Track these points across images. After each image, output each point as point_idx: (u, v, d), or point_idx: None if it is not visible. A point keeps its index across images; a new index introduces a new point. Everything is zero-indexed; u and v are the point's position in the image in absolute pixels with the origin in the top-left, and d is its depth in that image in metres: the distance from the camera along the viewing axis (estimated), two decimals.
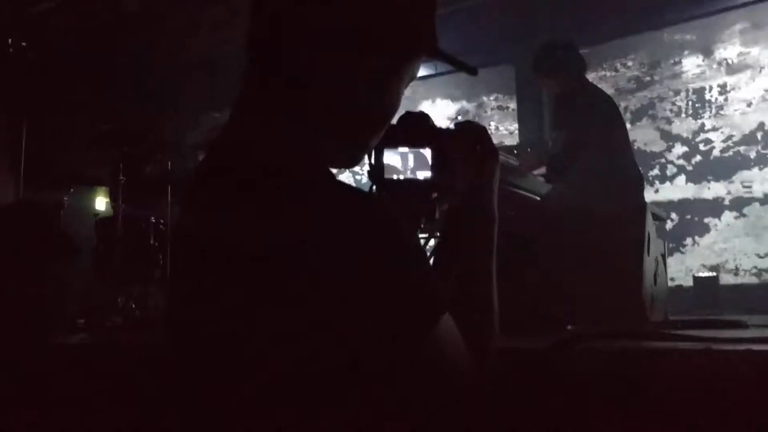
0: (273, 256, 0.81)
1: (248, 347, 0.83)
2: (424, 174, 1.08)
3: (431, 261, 1.04)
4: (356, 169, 6.75)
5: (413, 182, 1.09)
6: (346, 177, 6.84)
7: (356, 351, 0.80)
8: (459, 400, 0.90)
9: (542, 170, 3.84)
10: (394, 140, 1.08)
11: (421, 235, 1.21)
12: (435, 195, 1.11)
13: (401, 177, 1.09)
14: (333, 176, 0.92)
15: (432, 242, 1.32)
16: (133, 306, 4.12)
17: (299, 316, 0.80)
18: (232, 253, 0.85)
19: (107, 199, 4.78)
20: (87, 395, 1.81)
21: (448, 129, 1.11)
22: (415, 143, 1.09)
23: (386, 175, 1.09)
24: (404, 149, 1.09)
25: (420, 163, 1.08)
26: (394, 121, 1.07)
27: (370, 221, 0.83)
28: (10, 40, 5.18)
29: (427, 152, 1.08)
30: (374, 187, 1.10)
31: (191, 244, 0.94)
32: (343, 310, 0.79)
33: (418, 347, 0.82)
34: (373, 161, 1.09)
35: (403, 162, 1.09)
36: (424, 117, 1.12)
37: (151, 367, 1.64)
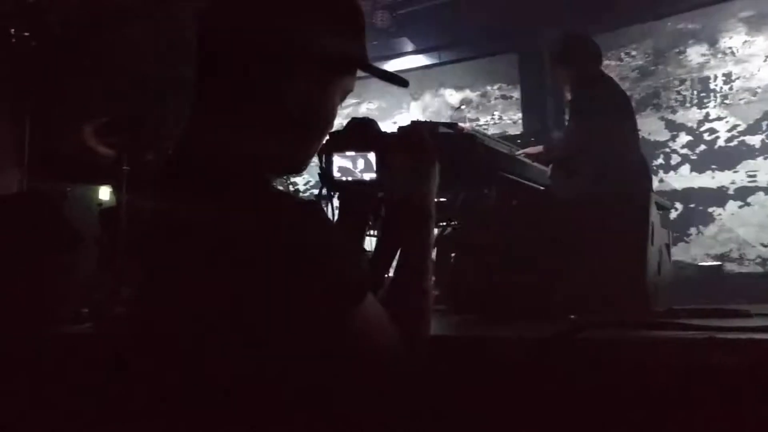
0: (221, 246, 0.92)
1: (190, 333, 0.95)
2: (370, 175, 1.18)
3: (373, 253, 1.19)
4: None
5: (360, 183, 1.19)
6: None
7: (282, 331, 0.91)
8: (384, 379, 1.00)
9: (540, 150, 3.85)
10: (342, 145, 1.20)
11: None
12: (380, 194, 1.22)
13: (350, 178, 1.19)
14: (270, 183, 1.05)
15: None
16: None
17: (242, 299, 0.91)
18: (180, 248, 0.97)
19: (111, 189, 4.78)
20: (89, 385, 1.81)
21: (390, 134, 1.21)
22: (360, 147, 1.19)
23: (338, 177, 1.20)
24: (351, 153, 1.19)
25: (368, 165, 1.18)
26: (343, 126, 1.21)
27: (296, 221, 0.93)
28: (12, 30, 5.18)
29: (371, 156, 1.18)
30: (325, 188, 1.22)
31: (157, 233, 1.05)
32: (272, 295, 0.90)
33: (340, 327, 0.92)
34: (323, 164, 1.21)
35: (353, 164, 1.19)
36: (370, 123, 1.22)
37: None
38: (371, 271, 1.15)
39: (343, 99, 1.12)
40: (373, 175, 1.18)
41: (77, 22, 6.65)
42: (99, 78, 6.80)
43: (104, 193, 5.51)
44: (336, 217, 1.25)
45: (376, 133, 1.21)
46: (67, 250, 3.66)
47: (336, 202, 1.26)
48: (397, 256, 1.19)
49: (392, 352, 1.00)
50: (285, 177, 5.44)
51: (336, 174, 1.21)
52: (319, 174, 1.23)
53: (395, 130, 1.25)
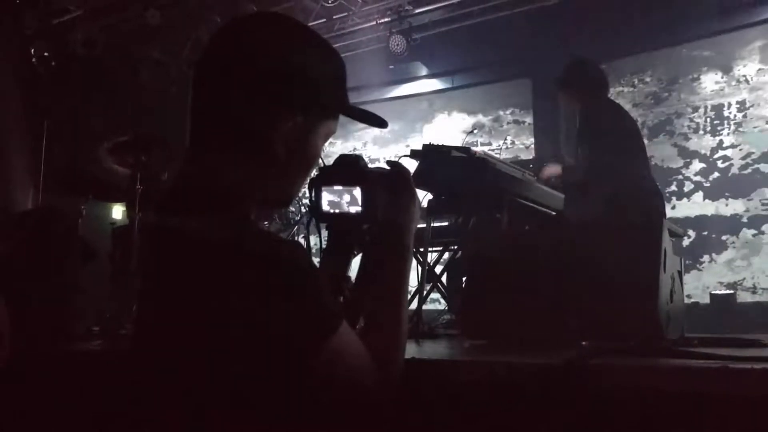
0: (202, 276, 1.01)
1: (174, 357, 1.04)
2: (356, 209, 1.26)
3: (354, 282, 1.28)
4: None
5: (346, 216, 1.27)
6: None
7: (257, 360, 0.98)
8: (358, 406, 1.06)
9: (558, 171, 3.87)
10: (329, 179, 1.28)
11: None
12: (365, 227, 1.29)
13: (336, 211, 1.27)
14: (254, 222, 1.16)
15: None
16: None
17: (221, 329, 0.98)
18: (178, 271, 1.06)
19: (124, 208, 4.82)
20: (100, 402, 1.82)
21: (375, 171, 1.29)
22: (347, 182, 1.26)
23: (327, 209, 1.28)
24: (338, 187, 1.27)
25: (354, 199, 1.26)
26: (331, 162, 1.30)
27: (274, 256, 1.00)
28: (33, 50, 5.26)
29: (357, 191, 1.25)
30: (313, 219, 1.31)
31: (150, 261, 1.16)
32: (254, 325, 0.97)
33: (313, 356, 0.98)
34: (313, 197, 1.29)
35: (341, 197, 1.27)
36: (357, 159, 1.30)
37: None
38: (353, 297, 1.25)
39: (325, 141, 1.21)
40: (359, 209, 1.26)
41: (98, 43, 6.75)
42: (117, 98, 6.89)
43: (117, 211, 5.55)
44: (324, 246, 1.33)
45: (362, 170, 1.28)
46: (82, 266, 3.69)
47: (324, 233, 1.34)
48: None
49: (365, 376, 1.06)
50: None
51: (325, 207, 1.28)
52: (308, 206, 1.32)
53: (384, 163, 1.35)
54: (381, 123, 1.28)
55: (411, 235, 1.26)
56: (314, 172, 1.28)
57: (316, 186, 1.29)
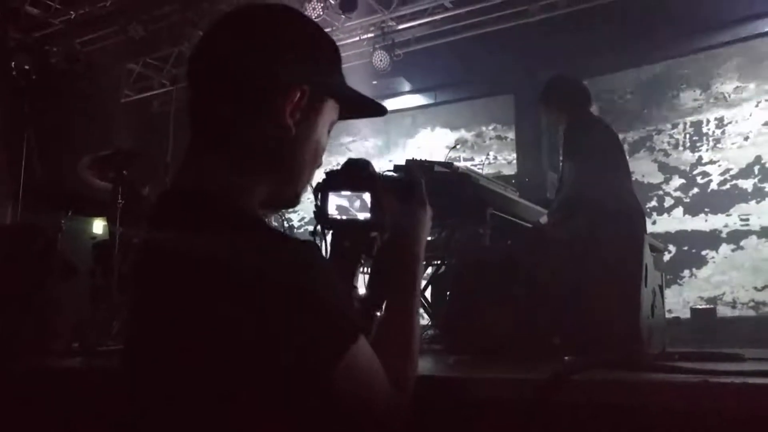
0: (206, 285, 0.92)
1: (180, 368, 0.94)
2: (364, 215, 1.20)
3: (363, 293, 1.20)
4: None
5: (354, 222, 1.21)
6: None
7: (272, 375, 0.89)
8: (375, 423, 0.98)
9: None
10: (337, 184, 1.21)
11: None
12: (373, 234, 1.23)
13: (344, 217, 1.21)
14: (263, 221, 1.05)
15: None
16: None
17: (226, 341, 0.90)
18: (177, 279, 0.97)
19: (104, 223, 4.78)
20: (79, 420, 1.79)
21: (385, 176, 1.25)
22: (355, 187, 1.21)
23: (334, 215, 1.21)
24: (346, 192, 1.21)
25: (363, 205, 1.20)
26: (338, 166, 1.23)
27: (290, 259, 0.93)
28: (13, 63, 5.22)
29: (366, 196, 1.20)
30: (319, 226, 1.24)
31: (144, 271, 1.07)
32: (263, 337, 0.89)
33: (331, 371, 0.90)
34: (318, 202, 1.22)
35: (350, 203, 1.21)
36: (366, 164, 1.24)
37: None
38: (362, 309, 1.16)
39: (328, 130, 1.14)
40: (368, 215, 1.19)
41: (80, 57, 6.72)
42: (98, 112, 6.85)
43: (98, 226, 5.50)
44: (328, 255, 1.25)
45: (372, 175, 1.22)
46: (62, 282, 3.64)
47: (329, 240, 1.27)
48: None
49: (382, 395, 0.99)
50: (280, 213, 5.44)
51: (333, 212, 1.21)
52: (314, 211, 1.24)
53: (391, 167, 1.28)
54: (379, 109, 1.22)
55: (422, 244, 1.20)
56: (321, 177, 1.21)
57: (323, 190, 1.22)
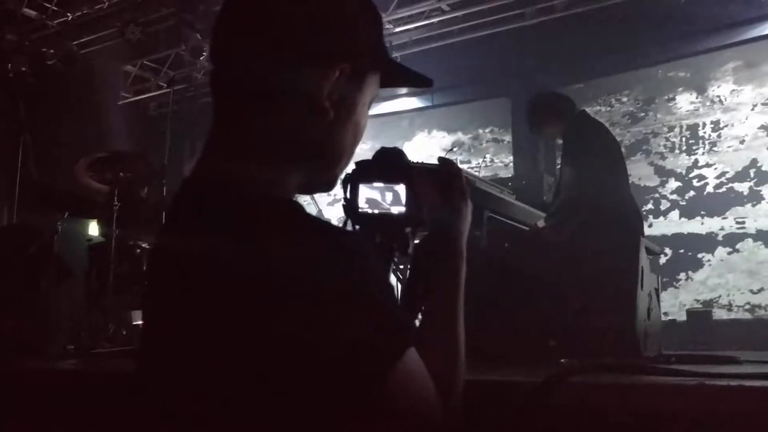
0: (238, 284, 0.81)
1: (216, 371, 0.83)
2: (398, 209, 1.09)
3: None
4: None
5: (387, 216, 1.10)
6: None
7: (319, 381, 0.78)
8: None
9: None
10: (369, 175, 1.11)
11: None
12: (408, 230, 1.12)
13: (376, 211, 1.10)
14: (302, 207, 0.90)
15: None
16: (124, 333, 4.09)
17: (266, 343, 0.79)
18: (200, 278, 0.86)
19: (100, 225, 4.77)
20: (73, 422, 1.78)
21: (422, 167, 1.13)
22: (389, 179, 1.10)
23: (364, 208, 1.10)
24: (379, 184, 1.10)
25: (396, 198, 1.09)
26: (370, 156, 1.12)
27: (339, 253, 0.83)
28: (10, 65, 5.22)
29: (401, 188, 1.09)
30: (348, 221, 1.12)
31: (167, 268, 0.94)
32: (307, 340, 0.78)
33: (383, 380, 0.79)
34: (348, 195, 1.11)
35: (382, 196, 1.10)
36: (399, 153, 1.14)
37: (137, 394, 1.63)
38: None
39: (370, 105, 1.03)
40: (402, 209, 1.09)
41: (77, 59, 6.71)
42: (95, 114, 6.84)
43: (94, 228, 5.49)
44: None
45: (407, 165, 1.13)
46: (57, 284, 3.63)
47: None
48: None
49: (432, 408, 0.87)
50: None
51: (363, 205, 1.11)
52: (343, 205, 1.13)
53: (428, 161, 1.18)
54: (425, 81, 1.09)
55: (464, 240, 1.08)
56: (350, 167, 1.08)
57: (353, 182, 1.11)
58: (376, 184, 1.11)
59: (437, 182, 1.09)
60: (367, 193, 1.11)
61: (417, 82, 1.11)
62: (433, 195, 1.08)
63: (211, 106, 0.98)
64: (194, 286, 0.86)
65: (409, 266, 1.13)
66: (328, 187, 1.03)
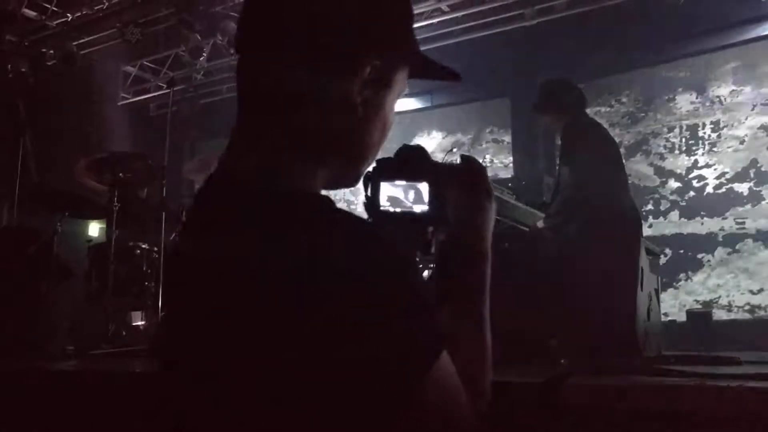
0: (274, 283, 0.79)
1: (245, 373, 0.81)
2: (421, 207, 1.07)
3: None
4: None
5: (409, 215, 1.08)
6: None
7: (354, 385, 0.76)
8: None
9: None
10: (390, 173, 1.08)
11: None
12: (431, 229, 1.10)
13: (398, 210, 1.08)
14: (333, 202, 0.89)
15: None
16: (124, 334, 4.09)
17: (297, 346, 0.77)
18: (234, 278, 0.83)
19: (100, 226, 4.78)
20: (73, 422, 1.78)
21: (445, 164, 1.12)
22: (411, 177, 1.08)
23: (386, 206, 1.08)
24: (401, 182, 1.08)
25: (419, 196, 1.07)
26: (392, 154, 1.09)
27: (376, 251, 0.81)
28: (10, 65, 5.22)
29: (423, 186, 1.07)
30: (369, 218, 1.09)
31: (191, 268, 0.92)
32: (342, 342, 0.76)
33: (419, 385, 0.77)
34: (369, 193, 1.08)
35: (405, 194, 1.08)
36: (422, 151, 1.12)
37: (137, 395, 1.63)
38: None
39: (396, 102, 1.02)
40: (425, 208, 1.07)
41: (77, 59, 6.72)
42: (95, 115, 6.85)
43: (94, 229, 5.49)
44: None
45: (430, 163, 1.10)
46: (57, 285, 3.64)
47: None
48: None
49: (464, 414, 0.85)
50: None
51: (384, 203, 1.08)
52: (364, 203, 1.11)
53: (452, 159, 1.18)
54: (454, 75, 1.08)
55: (489, 239, 1.06)
56: (371, 165, 1.07)
57: (374, 180, 1.08)
58: (398, 182, 1.09)
59: (461, 180, 1.07)
60: (389, 191, 1.08)
61: (446, 75, 1.08)
62: (457, 194, 1.06)
63: (233, 101, 0.97)
64: (233, 285, 0.83)
65: (430, 266, 1.11)
66: (350, 184, 1.03)
